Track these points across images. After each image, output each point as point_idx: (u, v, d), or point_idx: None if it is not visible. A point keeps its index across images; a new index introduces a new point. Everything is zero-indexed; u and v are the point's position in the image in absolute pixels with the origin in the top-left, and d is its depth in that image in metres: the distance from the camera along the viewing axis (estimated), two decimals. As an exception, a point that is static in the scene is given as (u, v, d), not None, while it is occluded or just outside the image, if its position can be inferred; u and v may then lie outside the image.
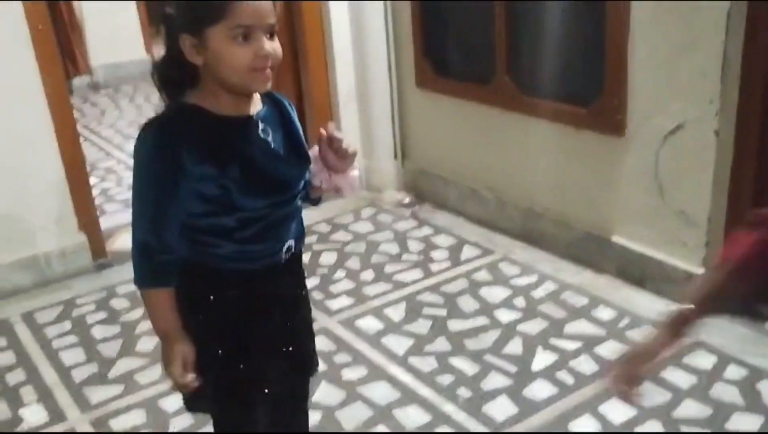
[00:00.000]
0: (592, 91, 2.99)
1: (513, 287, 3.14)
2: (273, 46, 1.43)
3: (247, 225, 1.50)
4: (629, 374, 1.37)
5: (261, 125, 1.51)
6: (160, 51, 1.51)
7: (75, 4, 6.05)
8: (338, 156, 1.54)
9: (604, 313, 2.90)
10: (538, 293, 3.07)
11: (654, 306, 2.89)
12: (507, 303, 3.01)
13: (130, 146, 4.69)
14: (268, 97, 1.58)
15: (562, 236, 3.33)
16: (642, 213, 2.98)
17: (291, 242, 1.59)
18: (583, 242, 3.23)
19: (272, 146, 1.52)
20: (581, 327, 2.82)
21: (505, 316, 2.92)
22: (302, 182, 1.58)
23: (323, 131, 1.53)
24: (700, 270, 2.80)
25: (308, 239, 2.36)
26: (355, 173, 1.61)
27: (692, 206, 2.78)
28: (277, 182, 1.52)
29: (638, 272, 3.03)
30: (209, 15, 1.38)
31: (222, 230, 1.50)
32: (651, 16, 2.70)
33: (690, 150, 2.73)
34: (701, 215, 2.76)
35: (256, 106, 1.53)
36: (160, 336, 1.56)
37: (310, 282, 2.47)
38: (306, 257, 3.09)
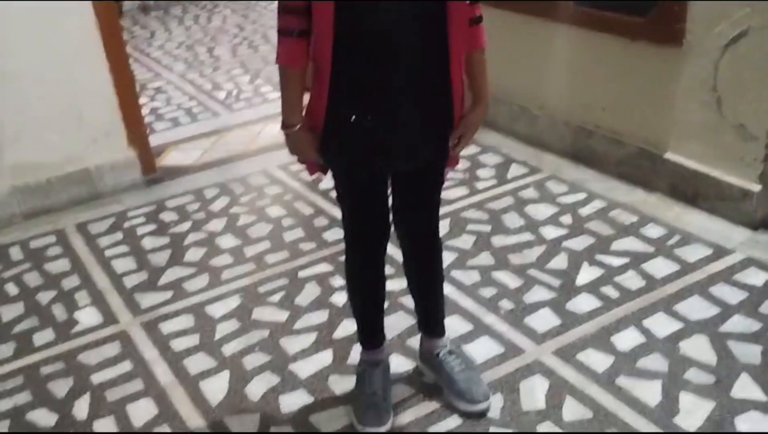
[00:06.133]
0: None
1: (560, 204, 3.08)
2: None
3: None
4: None
5: None
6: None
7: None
8: None
9: (654, 231, 2.83)
10: (586, 211, 3.01)
11: (706, 224, 2.81)
12: (553, 220, 2.97)
13: (180, 67, 4.73)
14: None
15: (613, 153, 3.23)
16: (698, 128, 2.86)
17: None
18: (634, 159, 3.14)
19: None
20: (629, 243, 2.76)
21: (550, 232, 2.88)
22: None
23: None
24: (756, 187, 2.70)
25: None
26: None
27: (752, 119, 2.66)
28: None
29: (691, 189, 2.93)
30: None
31: None
32: None
33: (752, 59, 2.59)
34: (761, 128, 2.64)
35: None
36: None
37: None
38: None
